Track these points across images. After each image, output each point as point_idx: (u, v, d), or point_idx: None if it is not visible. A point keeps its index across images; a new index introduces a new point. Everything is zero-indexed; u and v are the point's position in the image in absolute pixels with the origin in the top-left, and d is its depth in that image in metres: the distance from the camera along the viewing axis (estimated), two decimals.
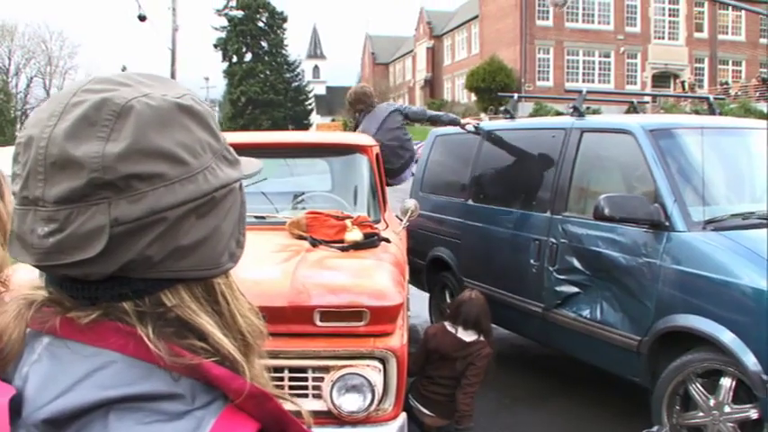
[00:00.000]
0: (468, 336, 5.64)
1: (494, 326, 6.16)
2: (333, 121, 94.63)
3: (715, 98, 8.55)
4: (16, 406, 0.91)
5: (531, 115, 36.74)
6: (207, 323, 1.00)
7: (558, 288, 6.33)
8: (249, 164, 1.13)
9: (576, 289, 6.17)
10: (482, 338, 5.67)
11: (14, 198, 0.97)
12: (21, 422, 0.90)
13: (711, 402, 5.08)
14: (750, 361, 4.72)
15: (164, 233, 0.94)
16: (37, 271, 0.99)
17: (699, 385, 5.16)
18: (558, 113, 29.55)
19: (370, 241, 5.24)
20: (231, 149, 1.07)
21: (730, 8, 56.72)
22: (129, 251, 0.93)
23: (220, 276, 1.05)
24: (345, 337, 4.18)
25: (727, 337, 4.86)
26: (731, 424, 5.01)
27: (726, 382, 5.01)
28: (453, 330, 5.68)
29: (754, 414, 4.89)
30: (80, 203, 0.91)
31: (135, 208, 0.91)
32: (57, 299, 0.99)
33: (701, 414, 5.16)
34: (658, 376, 5.36)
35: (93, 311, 0.96)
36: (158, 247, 0.94)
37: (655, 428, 5.23)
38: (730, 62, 61.30)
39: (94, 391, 0.90)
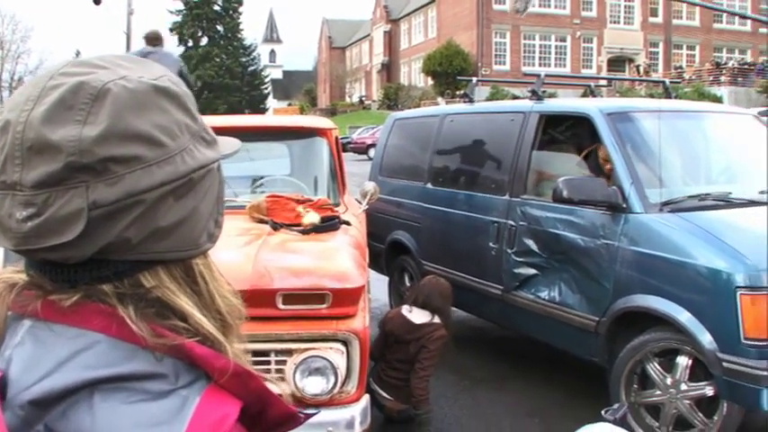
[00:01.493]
0: (420, 317, 5.66)
1: (453, 309, 6.19)
2: (290, 105, 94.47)
3: (671, 82, 8.63)
4: (1, 388, 0.91)
5: (488, 99, 36.73)
6: (186, 304, 1.01)
7: (516, 270, 6.39)
8: (227, 144, 1.13)
9: (534, 271, 6.23)
10: (436, 320, 5.70)
11: None
12: (6, 404, 0.90)
13: (668, 381, 5.17)
14: (706, 339, 4.81)
15: (142, 215, 0.94)
16: None
17: (656, 364, 5.24)
18: (515, 97, 29.62)
19: (331, 224, 5.25)
20: (209, 130, 1.07)
21: None
22: (108, 234, 0.93)
23: (199, 257, 1.06)
24: (308, 320, 4.20)
25: (683, 316, 4.94)
26: (688, 401, 5.11)
27: (682, 361, 5.10)
28: (408, 313, 5.71)
29: (710, 391, 5.00)
30: (58, 187, 0.91)
31: (112, 191, 0.92)
32: (37, 282, 0.99)
33: (658, 392, 5.24)
34: (616, 356, 5.44)
35: (74, 294, 0.96)
36: (137, 230, 0.94)
37: (616, 406, 5.29)
38: (684, 47, 61.92)
39: (79, 372, 0.91)
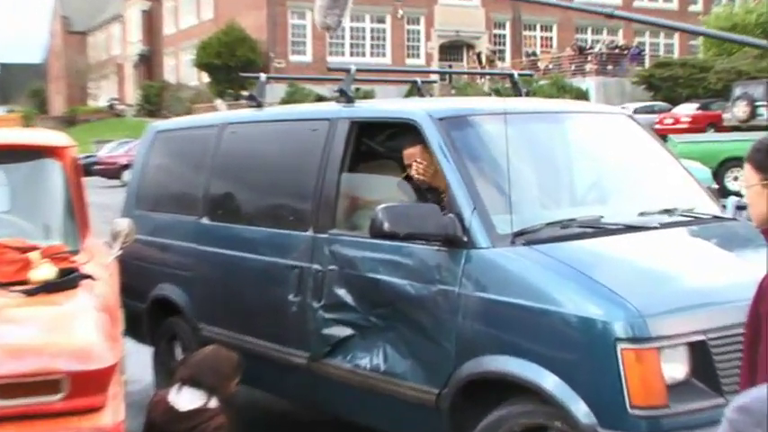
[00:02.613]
0: (189, 403, 5.59)
1: (245, 387, 6.12)
2: (10, 111, 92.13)
3: (520, 74, 8.85)
4: None
5: (285, 101, 37.21)
6: None
7: (327, 330, 6.36)
8: None
9: (350, 330, 6.22)
10: (212, 405, 5.62)
11: None
12: None
13: None
14: (581, 411, 4.85)
15: None
16: None
17: None
18: (320, 98, 29.91)
19: (68, 280, 5.13)
20: None
21: None
22: None
23: None
24: (37, 419, 4.07)
25: (549, 381, 4.99)
26: None
27: None
28: (175, 396, 5.63)
29: None
30: None
31: None
32: None
33: None
34: None
35: None
36: None
37: None
38: (538, 27, 64.19)
39: None
